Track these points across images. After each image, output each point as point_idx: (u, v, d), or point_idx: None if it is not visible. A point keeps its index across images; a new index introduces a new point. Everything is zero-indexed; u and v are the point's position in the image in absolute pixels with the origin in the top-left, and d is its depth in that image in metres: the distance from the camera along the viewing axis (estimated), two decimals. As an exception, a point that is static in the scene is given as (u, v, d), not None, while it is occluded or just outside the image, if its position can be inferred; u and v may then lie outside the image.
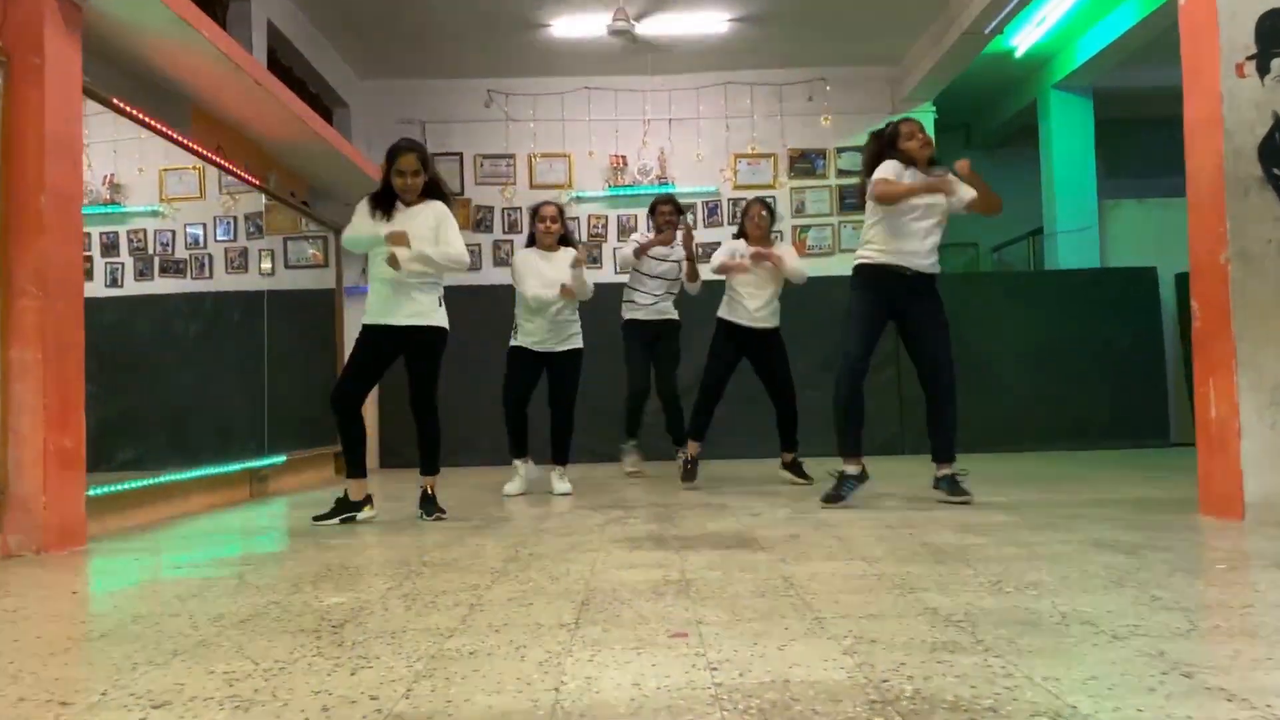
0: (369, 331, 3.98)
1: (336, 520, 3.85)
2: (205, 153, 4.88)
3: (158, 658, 1.80)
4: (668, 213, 5.70)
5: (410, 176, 3.94)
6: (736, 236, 5.41)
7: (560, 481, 4.94)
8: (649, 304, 5.75)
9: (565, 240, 5.07)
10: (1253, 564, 2.51)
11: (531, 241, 5.09)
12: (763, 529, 3.26)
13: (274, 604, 2.24)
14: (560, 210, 5.08)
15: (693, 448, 5.18)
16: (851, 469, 4.01)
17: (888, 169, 4.00)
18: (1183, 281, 7.97)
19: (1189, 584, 2.23)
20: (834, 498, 3.93)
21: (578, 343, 5.04)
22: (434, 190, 4.07)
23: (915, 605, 2.03)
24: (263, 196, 6.00)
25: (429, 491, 4.03)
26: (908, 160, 4.04)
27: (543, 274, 4.87)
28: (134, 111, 4.17)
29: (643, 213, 7.78)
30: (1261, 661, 1.57)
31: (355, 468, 3.97)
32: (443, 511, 3.95)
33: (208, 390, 5.43)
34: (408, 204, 4.00)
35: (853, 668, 1.60)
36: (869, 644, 1.73)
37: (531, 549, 2.97)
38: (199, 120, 4.97)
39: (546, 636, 1.86)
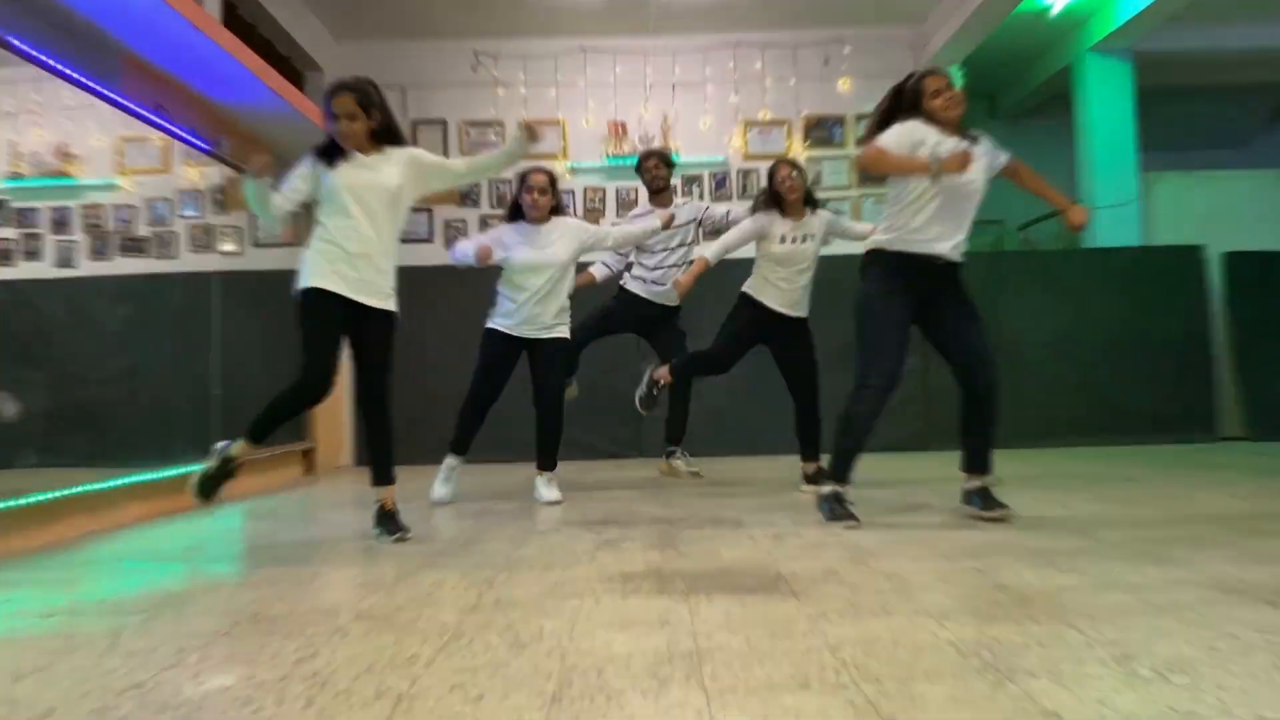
0: (317, 296, 3.22)
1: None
2: (140, 110, 4.24)
3: None
4: (653, 167, 5.08)
5: (345, 120, 3.22)
6: (758, 208, 4.49)
7: (549, 489, 4.31)
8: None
9: (557, 212, 4.38)
10: None
11: (515, 215, 4.37)
12: (789, 560, 2.62)
13: (134, 688, 1.64)
14: (552, 178, 4.36)
15: (664, 374, 4.59)
16: (844, 488, 3.41)
17: (895, 133, 3.26)
18: (1234, 261, 7.33)
19: None
20: (849, 516, 3.29)
21: (563, 331, 4.36)
22: (390, 137, 3.35)
23: (1026, 706, 1.40)
24: (220, 167, 5.38)
25: (386, 507, 3.37)
26: (931, 123, 3.30)
27: (526, 250, 4.25)
28: (51, 61, 3.52)
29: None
30: None
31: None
32: (406, 530, 3.29)
33: (143, 384, 4.81)
34: (362, 150, 3.29)
35: None
36: None
37: (499, 590, 2.34)
38: (132, 71, 4.31)
39: None
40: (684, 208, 5.08)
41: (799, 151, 7.41)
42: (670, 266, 4.99)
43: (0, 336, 4.24)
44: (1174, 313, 7.15)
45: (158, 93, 4.65)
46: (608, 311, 5.12)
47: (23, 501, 3.34)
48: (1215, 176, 7.80)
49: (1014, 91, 9.32)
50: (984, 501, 3.34)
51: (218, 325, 5.21)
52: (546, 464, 4.34)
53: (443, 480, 4.43)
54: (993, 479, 3.39)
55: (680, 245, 5.04)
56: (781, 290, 4.40)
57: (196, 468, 3.31)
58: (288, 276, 3.36)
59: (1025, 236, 9.51)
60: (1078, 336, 7.11)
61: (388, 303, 3.35)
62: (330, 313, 3.22)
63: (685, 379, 4.73)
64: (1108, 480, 4.56)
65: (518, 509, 4.04)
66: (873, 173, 3.27)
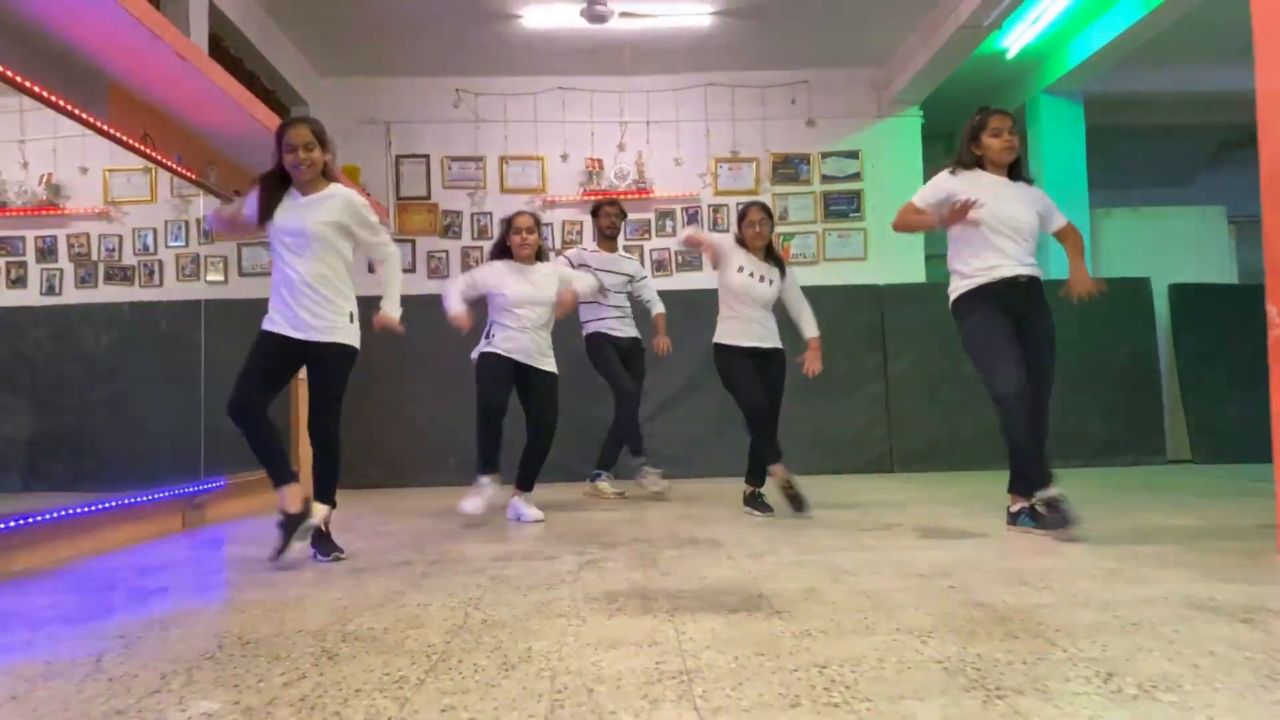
0: (266, 337, 3.48)
1: (299, 543, 3.41)
2: (126, 140, 4.38)
3: None
4: (614, 215, 5.67)
5: (304, 151, 3.37)
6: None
7: (530, 509, 4.53)
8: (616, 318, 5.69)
9: (540, 254, 4.69)
10: None
11: (502, 254, 4.64)
12: (769, 579, 2.82)
13: (114, 717, 1.67)
14: (536, 220, 4.67)
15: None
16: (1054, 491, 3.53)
17: (929, 188, 3.81)
18: (1177, 293, 7.72)
19: None
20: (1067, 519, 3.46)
21: (553, 365, 4.63)
22: (330, 173, 3.56)
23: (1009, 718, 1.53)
24: (208, 197, 5.52)
25: (324, 529, 3.51)
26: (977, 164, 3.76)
27: (521, 286, 4.55)
28: (26, 83, 3.65)
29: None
30: None
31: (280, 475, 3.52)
32: (340, 552, 3.46)
33: (129, 409, 4.92)
34: (303, 188, 3.45)
35: None
36: None
37: (486, 611, 2.46)
38: (118, 102, 4.45)
39: None
40: (630, 261, 5.85)
41: (767, 188, 7.70)
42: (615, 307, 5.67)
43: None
44: (1122, 342, 7.52)
45: (145, 122, 4.79)
46: (604, 359, 5.59)
47: (6, 525, 3.41)
48: (1160, 212, 8.23)
49: (972, 130, 9.72)
50: (1044, 517, 3.53)
51: (205, 351, 5.33)
52: (526, 486, 4.62)
53: (473, 495, 4.46)
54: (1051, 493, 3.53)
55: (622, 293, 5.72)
56: (744, 322, 4.53)
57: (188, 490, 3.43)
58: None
59: (984, 268, 9.90)
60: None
61: (336, 336, 3.46)
62: (266, 350, 3.49)
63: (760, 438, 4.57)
64: (1075, 502, 4.82)
65: (495, 529, 4.21)
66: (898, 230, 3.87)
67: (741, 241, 4.61)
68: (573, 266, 5.40)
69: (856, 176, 7.60)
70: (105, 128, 4.28)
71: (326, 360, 3.48)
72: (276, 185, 3.50)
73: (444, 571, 3.14)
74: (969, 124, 3.88)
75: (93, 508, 3.97)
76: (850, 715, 1.57)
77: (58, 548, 3.73)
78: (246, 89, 5.62)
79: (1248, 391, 7.42)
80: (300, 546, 3.44)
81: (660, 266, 7.64)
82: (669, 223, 7.67)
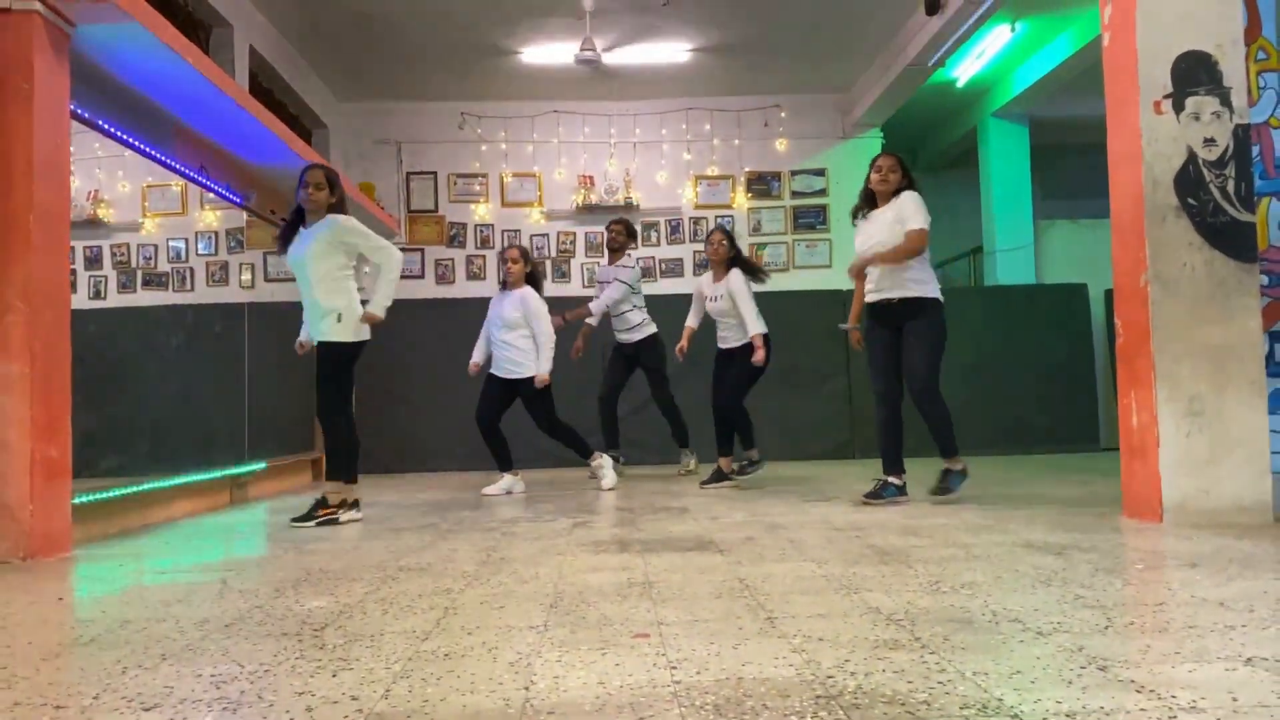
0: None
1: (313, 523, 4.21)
2: (189, 172, 5.17)
3: (146, 662, 1.90)
4: (615, 231, 6.32)
5: (313, 190, 4.20)
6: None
7: (510, 484, 5.51)
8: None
9: (532, 279, 5.59)
10: (1168, 564, 2.76)
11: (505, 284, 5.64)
12: (720, 532, 3.65)
13: (256, 608, 2.43)
14: (522, 252, 5.63)
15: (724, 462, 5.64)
16: (956, 466, 4.50)
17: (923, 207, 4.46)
18: (1111, 298, 8.55)
19: (1109, 583, 2.49)
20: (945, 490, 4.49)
21: (520, 372, 5.43)
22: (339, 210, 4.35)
23: (860, 605, 2.29)
24: (244, 213, 6.31)
25: (322, 497, 4.28)
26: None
27: (489, 316, 5.59)
28: (120, 134, 4.45)
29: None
30: (1169, 655, 1.76)
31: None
32: (311, 522, 4.16)
33: (190, 400, 5.73)
34: (309, 220, 4.28)
35: (800, 665, 1.75)
36: (816, 642, 1.90)
37: (502, 552, 3.27)
38: (181, 140, 5.25)
39: (517, 638, 2.01)
40: (625, 270, 6.31)
41: (742, 203, 8.53)
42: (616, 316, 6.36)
43: (81, 360, 5.12)
44: (1062, 342, 8.35)
45: (200, 156, 5.59)
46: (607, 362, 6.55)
47: (105, 495, 4.19)
48: (1098, 225, 9.06)
49: (932, 147, 10.58)
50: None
51: (248, 349, 6.12)
52: (584, 452, 5.69)
53: (499, 485, 5.54)
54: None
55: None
56: (720, 334, 5.72)
57: (236, 470, 4.24)
58: (297, 308, 4.49)
59: (942, 274, 10.74)
60: (980, 362, 8.27)
61: (326, 335, 4.26)
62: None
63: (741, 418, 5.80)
64: (995, 482, 5.64)
65: (503, 503, 5.03)
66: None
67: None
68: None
69: (823, 192, 8.42)
70: (169, 162, 5.06)
71: (320, 354, 4.33)
72: (292, 225, 4.38)
73: (465, 529, 3.96)
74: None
75: (164, 484, 4.78)
76: (752, 601, 2.39)
77: (135, 516, 4.53)
78: (279, 118, 6.41)
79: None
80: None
81: (646, 274, 8.45)
82: (653, 233, 8.48)
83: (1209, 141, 3.73)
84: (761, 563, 2.94)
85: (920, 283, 4.40)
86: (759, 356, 5.47)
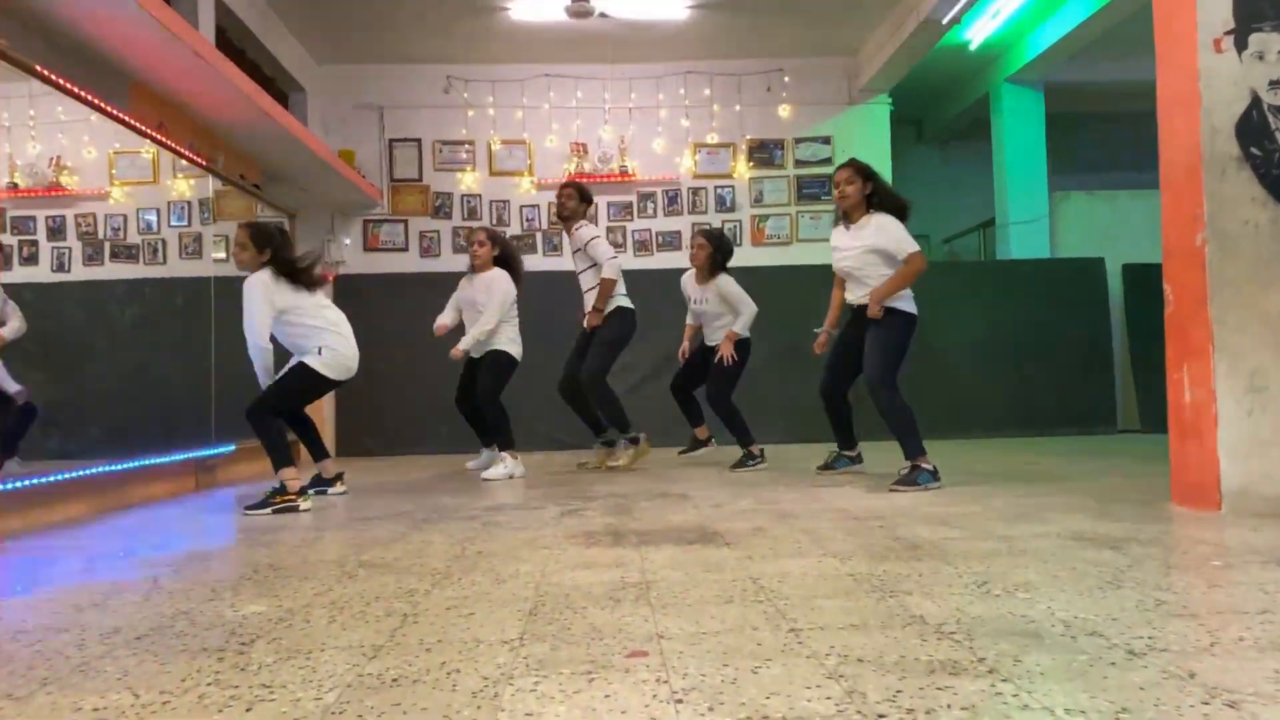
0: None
1: (312, 492, 4.28)
2: (144, 129, 4.74)
3: (21, 688, 1.58)
4: (570, 196, 5.54)
5: (237, 248, 4.47)
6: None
7: (496, 468, 5.22)
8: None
9: (505, 261, 5.48)
10: (1250, 561, 2.38)
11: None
12: (725, 521, 3.27)
13: (182, 614, 2.08)
14: (490, 235, 5.55)
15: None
16: (925, 465, 4.20)
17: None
18: (1130, 272, 8.19)
19: (1190, 584, 2.12)
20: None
21: (499, 344, 5.38)
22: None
23: (899, 612, 1.91)
24: (214, 180, 5.88)
25: (280, 484, 4.08)
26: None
27: (459, 297, 5.58)
28: (60, 80, 4.02)
29: (603, 201, 7.80)
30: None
31: (319, 453, 4.59)
32: (268, 509, 3.94)
33: (150, 379, 5.32)
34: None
35: (841, 697, 1.40)
36: (855, 664, 1.56)
37: (480, 546, 2.89)
38: (137, 96, 4.82)
39: (484, 657, 1.68)
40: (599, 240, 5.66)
41: (743, 173, 8.10)
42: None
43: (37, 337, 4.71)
44: (1078, 318, 7.98)
45: (160, 113, 5.15)
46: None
47: (41, 480, 3.80)
48: (1115, 195, 8.67)
49: (938, 118, 10.14)
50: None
51: (215, 325, 5.71)
52: (500, 444, 5.34)
53: (481, 460, 5.71)
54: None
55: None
56: (706, 333, 5.67)
57: (200, 453, 3.84)
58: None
59: (950, 249, 10.34)
60: (993, 340, 7.91)
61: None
62: None
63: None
64: (1016, 465, 5.29)
65: (488, 488, 4.64)
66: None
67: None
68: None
69: (828, 161, 8.00)
70: (124, 117, 4.63)
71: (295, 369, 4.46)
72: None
73: (442, 518, 3.57)
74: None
75: (117, 467, 4.38)
76: (770, 608, 2.00)
77: (86, 502, 4.14)
78: (251, 80, 5.96)
79: (1193, 365, 7.92)
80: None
81: (642, 247, 8.04)
82: (650, 205, 8.06)
83: (1275, 84, 3.33)
84: (775, 558, 2.56)
85: (897, 298, 4.37)
86: (726, 351, 5.42)
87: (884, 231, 4.33)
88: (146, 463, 4.65)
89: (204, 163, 5.52)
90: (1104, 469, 4.90)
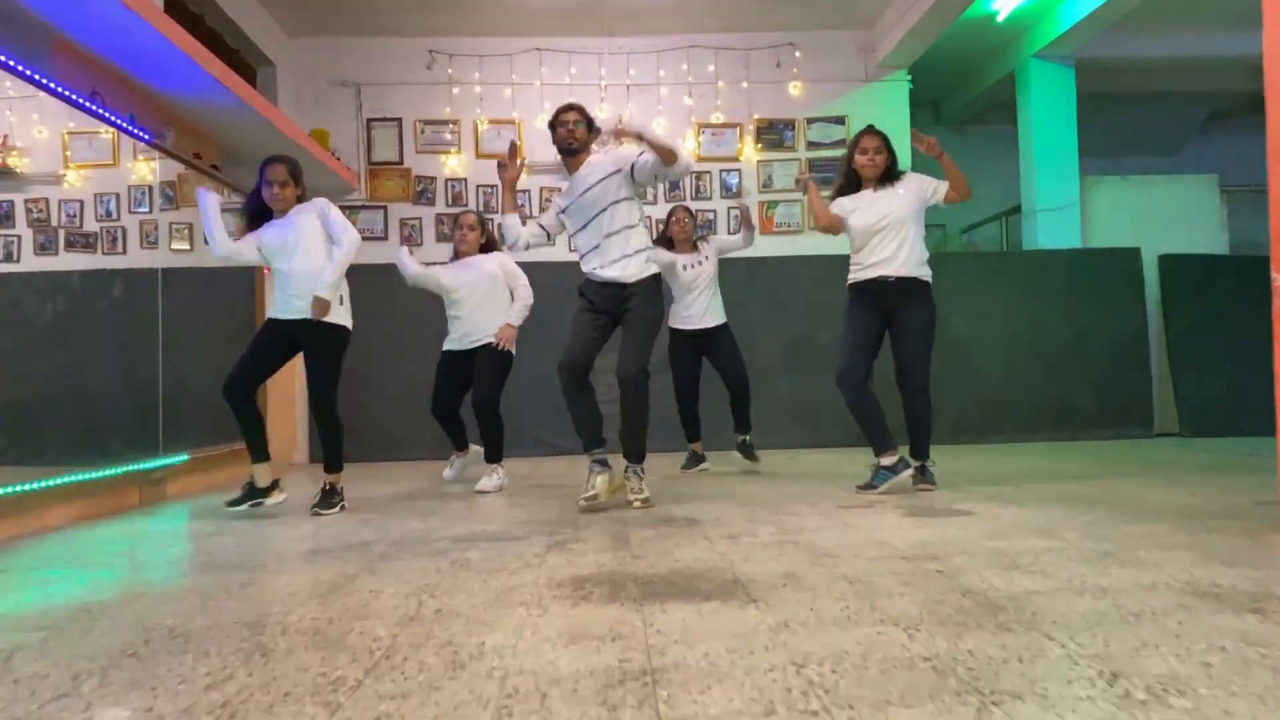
0: (268, 323, 4.13)
1: (245, 506, 4.01)
2: (74, 96, 4.13)
3: None
4: (577, 122, 4.08)
5: (278, 187, 4.03)
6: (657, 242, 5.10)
7: (487, 480, 4.75)
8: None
9: (489, 248, 5.05)
10: None
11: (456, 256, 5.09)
12: (746, 561, 2.67)
13: None
14: (480, 218, 5.11)
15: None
16: (886, 460, 4.12)
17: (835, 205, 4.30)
18: (1167, 263, 7.59)
19: None
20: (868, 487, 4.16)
21: (487, 338, 4.89)
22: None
23: None
24: (163, 158, 5.27)
25: (327, 487, 4.11)
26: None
27: (459, 278, 4.94)
28: None
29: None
30: None
31: (257, 453, 4.08)
32: (327, 511, 4.00)
33: (82, 383, 4.70)
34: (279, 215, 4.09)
35: None
36: None
37: (441, 600, 2.29)
38: (63, 55, 4.20)
39: None
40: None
41: (750, 156, 7.49)
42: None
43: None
44: (1112, 313, 7.39)
45: (94, 79, 4.53)
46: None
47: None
48: (1150, 181, 8.06)
49: (958, 98, 9.51)
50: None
51: (163, 322, 5.11)
52: (493, 457, 4.87)
53: (450, 466, 5.25)
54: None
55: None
56: (690, 312, 5.16)
57: (145, 465, 3.24)
58: (236, 274, 3.52)
59: (968, 239, 9.73)
60: (1021, 336, 7.31)
61: (333, 318, 4.07)
62: (272, 334, 4.22)
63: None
64: (1059, 477, 4.70)
65: (470, 503, 4.04)
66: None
67: (668, 243, 5.22)
68: None
69: (842, 143, 7.39)
70: (48, 83, 4.02)
71: (317, 340, 4.06)
72: (258, 208, 4.18)
73: (404, 553, 2.97)
74: (850, 144, 4.37)
75: (37, 485, 3.77)
76: (828, 721, 1.41)
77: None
78: (207, 47, 5.34)
79: (1237, 364, 7.33)
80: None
81: (641, 235, 7.43)
82: (649, 190, 7.44)
83: None
84: (820, 626, 1.96)
85: (923, 263, 4.19)
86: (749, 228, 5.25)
87: (917, 180, 4.23)
88: (64, 480, 4.02)
89: (150, 139, 4.90)
90: (1166, 484, 4.31)
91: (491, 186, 7.34)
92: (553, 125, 4.10)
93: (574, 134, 4.03)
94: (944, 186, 4.17)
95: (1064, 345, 7.31)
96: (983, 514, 3.47)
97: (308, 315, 3.97)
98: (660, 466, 5.36)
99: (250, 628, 2.09)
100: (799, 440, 6.86)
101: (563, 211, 4.14)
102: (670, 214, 5.27)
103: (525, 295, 4.92)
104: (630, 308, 3.97)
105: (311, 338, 4.01)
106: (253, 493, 4.06)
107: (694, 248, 5.21)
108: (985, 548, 2.78)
